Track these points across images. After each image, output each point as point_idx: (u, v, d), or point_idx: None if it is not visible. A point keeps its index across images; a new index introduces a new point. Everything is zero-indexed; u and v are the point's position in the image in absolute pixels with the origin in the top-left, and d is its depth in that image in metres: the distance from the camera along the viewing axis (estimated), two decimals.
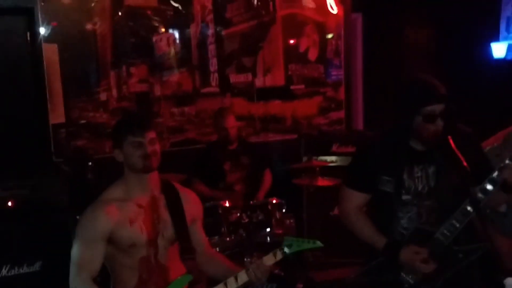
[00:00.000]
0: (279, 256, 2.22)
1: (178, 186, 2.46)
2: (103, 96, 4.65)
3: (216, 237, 3.68)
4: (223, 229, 3.71)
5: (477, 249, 2.25)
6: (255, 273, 2.16)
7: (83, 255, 2.19)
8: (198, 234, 2.48)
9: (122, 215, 2.26)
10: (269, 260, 2.21)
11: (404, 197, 2.29)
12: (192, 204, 2.46)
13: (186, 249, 2.42)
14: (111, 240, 2.26)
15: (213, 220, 3.70)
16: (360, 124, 5.88)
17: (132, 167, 2.28)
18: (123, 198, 2.30)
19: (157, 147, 2.29)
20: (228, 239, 3.70)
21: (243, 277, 2.18)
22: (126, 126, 2.29)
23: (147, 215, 2.30)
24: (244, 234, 3.70)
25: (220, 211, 3.75)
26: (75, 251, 2.22)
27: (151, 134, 2.27)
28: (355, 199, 2.41)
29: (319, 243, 2.23)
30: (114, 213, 2.24)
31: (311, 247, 2.23)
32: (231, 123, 4.30)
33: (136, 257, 2.30)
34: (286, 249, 2.23)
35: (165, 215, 2.35)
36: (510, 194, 2.20)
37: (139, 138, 2.24)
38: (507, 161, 2.13)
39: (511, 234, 2.73)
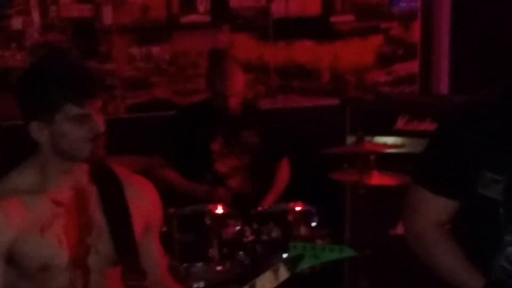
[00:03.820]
0: (283, 274, 2.26)
1: (121, 172, 2.47)
2: (16, 23, 4.69)
3: (200, 264, 3.74)
4: (211, 251, 3.76)
5: None
6: None
7: None
8: (152, 250, 2.53)
9: (30, 217, 2.25)
10: (267, 283, 2.23)
11: None
12: (145, 201, 2.48)
13: (134, 273, 2.41)
14: (10, 259, 2.26)
15: (196, 236, 3.75)
16: (444, 85, 5.79)
17: (67, 154, 2.27)
18: (34, 189, 2.29)
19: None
20: (219, 268, 3.76)
21: None
22: (61, 83, 2.22)
23: (70, 219, 2.31)
24: (246, 261, 3.75)
25: (207, 222, 3.79)
26: None
27: (99, 102, 2.27)
28: (435, 209, 2.41)
29: (349, 251, 2.26)
30: (18, 214, 2.24)
31: (338, 259, 2.25)
32: (237, 86, 4.25)
33: None
34: (293, 263, 2.26)
35: (99, 218, 2.37)
36: None
37: (86, 109, 2.21)
38: None
39: None
